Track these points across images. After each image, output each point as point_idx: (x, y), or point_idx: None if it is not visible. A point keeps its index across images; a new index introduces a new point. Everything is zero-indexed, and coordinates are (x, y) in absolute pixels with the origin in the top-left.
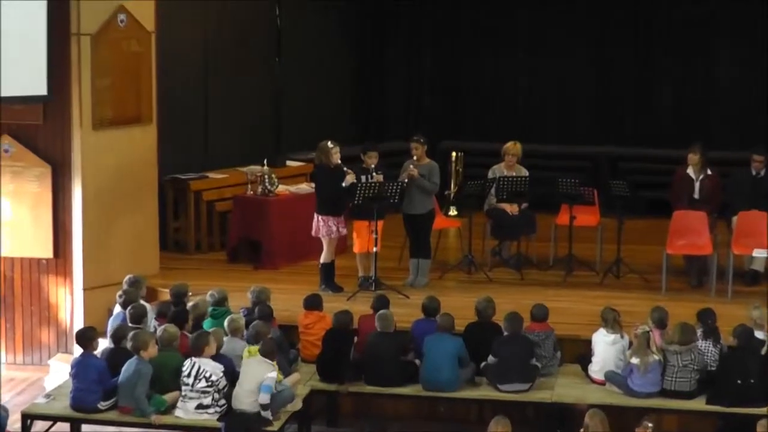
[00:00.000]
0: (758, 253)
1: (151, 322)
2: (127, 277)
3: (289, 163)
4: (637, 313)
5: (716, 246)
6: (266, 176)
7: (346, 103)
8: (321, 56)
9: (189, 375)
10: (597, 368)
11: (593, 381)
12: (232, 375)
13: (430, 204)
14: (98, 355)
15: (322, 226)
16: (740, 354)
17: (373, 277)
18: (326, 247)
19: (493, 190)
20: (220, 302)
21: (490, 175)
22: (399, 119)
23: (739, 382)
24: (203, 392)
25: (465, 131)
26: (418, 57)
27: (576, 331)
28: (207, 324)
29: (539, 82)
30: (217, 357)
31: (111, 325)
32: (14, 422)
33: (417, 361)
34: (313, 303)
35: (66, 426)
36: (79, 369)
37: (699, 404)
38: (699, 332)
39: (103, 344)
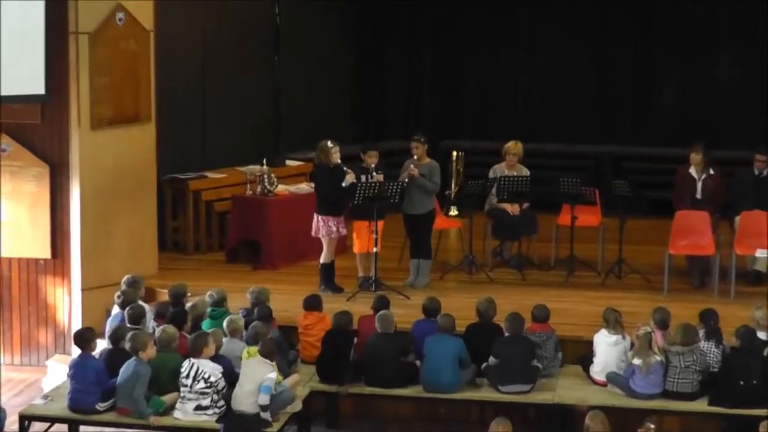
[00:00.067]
0: (761, 253)
1: (150, 322)
2: (125, 278)
3: (288, 162)
4: (639, 313)
5: (719, 246)
6: (265, 176)
7: (346, 103)
8: (321, 56)
9: (188, 376)
10: (598, 369)
11: (595, 382)
12: (231, 376)
13: (431, 204)
14: (96, 356)
15: (321, 226)
16: (743, 355)
17: (373, 278)
18: (326, 248)
19: (494, 190)
20: (219, 303)
21: (491, 174)
22: (399, 119)
23: (741, 383)
24: (202, 393)
25: (465, 131)
26: (418, 57)
27: (577, 332)
28: (206, 325)
29: (539, 81)
30: (216, 358)
31: (109, 325)
32: (12, 423)
33: (417, 363)
34: (312, 304)
35: (64, 427)
36: (77, 370)
37: (701, 406)
38: (701, 333)
39: (102, 345)
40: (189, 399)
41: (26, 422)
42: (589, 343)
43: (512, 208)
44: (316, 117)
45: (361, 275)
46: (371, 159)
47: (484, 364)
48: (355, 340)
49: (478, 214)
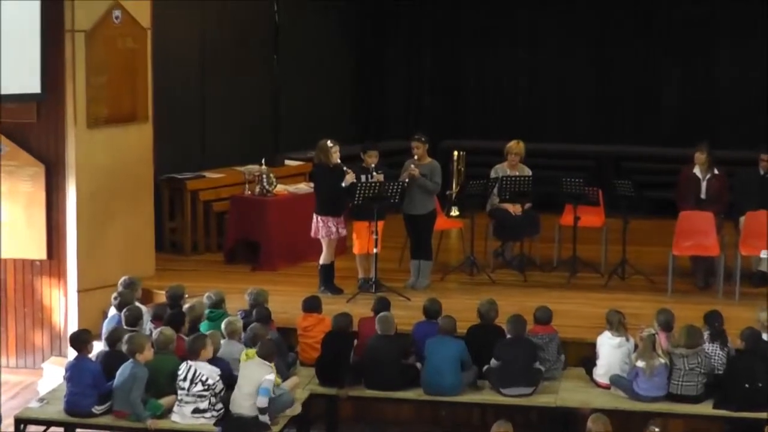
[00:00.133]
0: (766, 254)
1: (147, 324)
2: (122, 279)
3: (287, 162)
4: (642, 315)
5: (723, 247)
6: (264, 176)
7: (346, 103)
8: (320, 55)
9: (185, 379)
10: (602, 372)
11: (598, 385)
12: (229, 378)
13: (432, 204)
14: (93, 359)
15: (321, 226)
16: (748, 357)
17: (373, 279)
18: (325, 248)
19: (495, 190)
20: (217, 304)
21: (492, 174)
22: (399, 119)
23: (746, 385)
24: (200, 396)
25: (465, 131)
26: (418, 57)
27: (580, 334)
28: (204, 327)
29: (540, 81)
30: (213, 360)
31: (106, 327)
32: (7, 426)
33: (418, 365)
34: (312, 305)
35: (60, 431)
36: (73, 372)
37: (706, 408)
38: (706, 335)
39: (98, 347)
40: (186, 402)
41: (22, 425)
42: (592, 345)
43: (514, 209)
44: (315, 116)
45: (361, 276)
46: (371, 159)
47: (485, 367)
48: (355, 342)
49: (479, 214)
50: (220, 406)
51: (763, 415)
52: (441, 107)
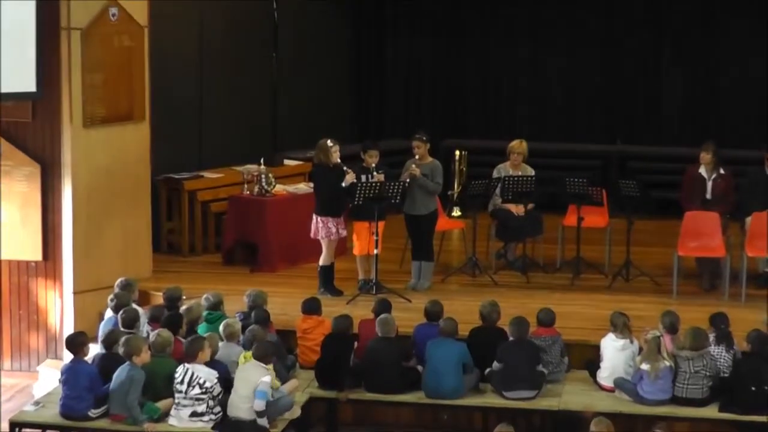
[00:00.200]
0: None
1: (144, 326)
2: (118, 280)
3: (286, 162)
4: (647, 317)
5: (729, 248)
6: (263, 176)
7: (346, 102)
8: (320, 54)
9: (182, 381)
10: (606, 375)
11: (602, 388)
12: (227, 381)
13: (433, 204)
14: (89, 361)
15: (321, 227)
16: (754, 360)
17: (373, 281)
18: (325, 249)
19: (498, 190)
20: (215, 306)
21: (495, 174)
22: (399, 118)
23: (753, 388)
24: (197, 399)
25: (467, 130)
26: (418, 56)
27: (584, 336)
28: (202, 329)
29: (542, 80)
30: (211, 363)
31: (102, 329)
32: (2, 430)
33: (419, 368)
34: (311, 307)
35: None
36: (69, 375)
37: (711, 412)
38: (711, 337)
39: (94, 350)
40: (184, 405)
41: (17, 429)
42: (596, 348)
43: (517, 209)
44: (315, 116)
45: (362, 278)
46: (372, 158)
47: (487, 369)
48: (355, 344)
49: (481, 214)
50: (218, 409)
51: None
52: (442, 106)
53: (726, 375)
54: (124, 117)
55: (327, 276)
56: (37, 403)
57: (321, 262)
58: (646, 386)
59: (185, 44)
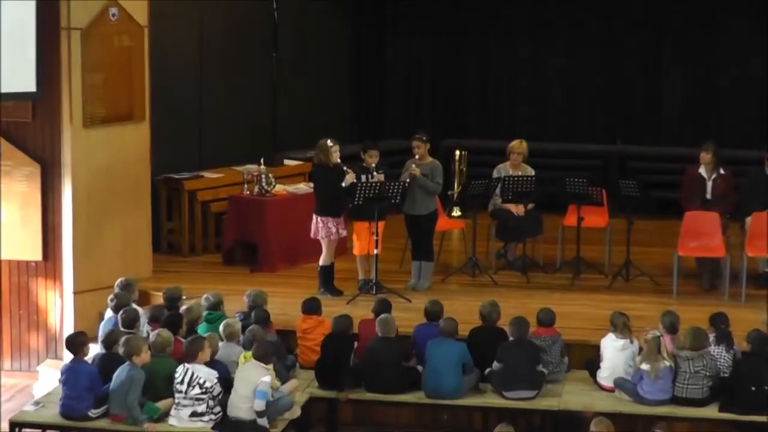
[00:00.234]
0: None
1: (144, 326)
2: (118, 280)
3: (286, 162)
4: (647, 317)
5: (729, 248)
6: (263, 175)
7: (346, 102)
8: (320, 53)
9: (182, 381)
10: (606, 375)
11: (602, 388)
12: (227, 381)
13: (433, 204)
14: (89, 361)
15: (321, 227)
16: (754, 360)
17: (373, 281)
18: (325, 249)
19: (498, 190)
20: (215, 306)
21: (495, 174)
22: (399, 118)
23: (753, 388)
24: (197, 399)
25: (466, 130)
26: (418, 55)
27: (584, 336)
28: (202, 329)
29: (542, 80)
30: (211, 363)
31: (102, 329)
32: (2, 430)
33: (419, 368)
34: (311, 307)
35: None
36: (69, 375)
37: (711, 412)
38: (711, 337)
39: (94, 350)
40: (184, 405)
41: (17, 429)
42: (596, 348)
43: (517, 209)
44: (315, 115)
45: (362, 278)
46: (372, 158)
47: (487, 369)
48: (355, 344)
49: (481, 214)
50: (218, 409)
51: None
52: (442, 106)
53: (726, 375)
54: (124, 117)
55: (327, 276)
56: (37, 403)
57: (321, 262)
58: (646, 386)
59: (185, 44)
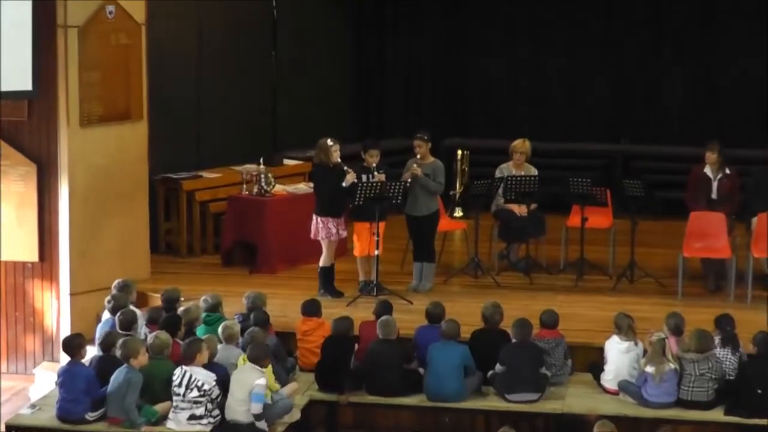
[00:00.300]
0: None
1: (142, 328)
2: (116, 282)
3: (286, 161)
4: (651, 319)
5: (735, 249)
6: (262, 175)
7: (346, 102)
8: (320, 52)
9: (180, 384)
10: (610, 377)
11: (606, 390)
12: (225, 384)
13: (435, 205)
14: (86, 364)
15: (321, 228)
16: (760, 362)
17: (374, 282)
18: (325, 250)
19: (500, 190)
20: (214, 308)
21: (497, 174)
22: (399, 117)
23: (759, 391)
24: (195, 402)
25: (468, 129)
26: (418, 55)
27: (588, 338)
28: (200, 331)
29: (543, 80)
30: (210, 365)
31: (99, 331)
32: None
33: (420, 370)
34: (311, 309)
35: None
36: (66, 378)
37: (717, 415)
38: (717, 339)
39: (92, 352)
40: (182, 408)
41: None
42: (600, 350)
43: (520, 209)
44: (314, 115)
45: (362, 279)
46: (372, 158)
47: (490, 372)
48: (356, 346)
49: (484, 215)
50: (216, 412)
51: None
52: (442, 106)
53: (732, 378)
54: (122, 116)
55: (327, 277)
56: (33, 406)
57: (321, 263)
58: (651, 389)
59: (184, 42)
